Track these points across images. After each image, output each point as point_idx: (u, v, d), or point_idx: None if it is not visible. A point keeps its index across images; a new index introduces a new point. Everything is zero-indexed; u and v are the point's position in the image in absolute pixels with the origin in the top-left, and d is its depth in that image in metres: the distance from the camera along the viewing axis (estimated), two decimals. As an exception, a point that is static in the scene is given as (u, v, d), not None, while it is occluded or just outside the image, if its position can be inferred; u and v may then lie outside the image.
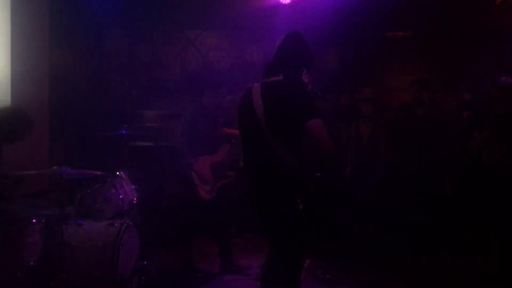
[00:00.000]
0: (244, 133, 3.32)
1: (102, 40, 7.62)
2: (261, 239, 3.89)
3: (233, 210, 5.17)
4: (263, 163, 3.13)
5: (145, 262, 4.35)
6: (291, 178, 3.03)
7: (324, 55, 8.03)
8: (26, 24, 5.34)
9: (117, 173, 4.52)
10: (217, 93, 5.10)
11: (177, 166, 5.05)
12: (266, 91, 3.14)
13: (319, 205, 3.04)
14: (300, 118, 3.02)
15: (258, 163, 3.18)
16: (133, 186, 4.59)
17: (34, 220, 3.77)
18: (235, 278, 4.83)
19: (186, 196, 5.01)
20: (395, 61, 8.14)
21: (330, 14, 6.84)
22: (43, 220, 3.82)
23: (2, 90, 4.97)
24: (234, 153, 5.05)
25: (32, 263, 3.70)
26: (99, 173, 4.21)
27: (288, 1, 7.19)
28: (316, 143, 3.02)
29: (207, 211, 4.89)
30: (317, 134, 3.01)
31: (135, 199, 4.55)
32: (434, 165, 5.89)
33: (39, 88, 5.59)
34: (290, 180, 3.04)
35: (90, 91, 7.19)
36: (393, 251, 5.53)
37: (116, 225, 4.05)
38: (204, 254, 5.32)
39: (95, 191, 4.31)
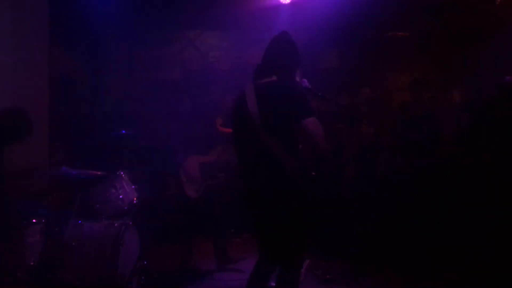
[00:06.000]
0: (238, 135, 3.34)
1: (102, 40, 7.61)
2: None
3: (227, 211, 5.18)
4: (259, 163, 3.16)
5: (145, 262, 4.35)
6: (286, 177, 3.05)
7: (324, 54, 8.02)
8: (27, 25, 5.34)
9: (117, 173, 4.52)
10: (213, 91, 5.14)
11: (167, 165, 5.09)
12: (261, 92, 3.17)
13: (314, 203, 3.04)
14: (295, 117, 3.04)
15: (254, 163, 3.20)
16: (133, 186, 4.59)
17: (34, 220, 3.77)
18: (233, 278, 4.83)
19: (176, 195, 5.07)
20: (395, 61, 8.13)
21: (330, 14, 6.83)
22: (43, 220, 3.83)
23: (2, 90, 4.97)
24: (225, 155, 5.06)
25: (32, 263, 3.71)
26: (99, 173, 4.21)
27: (288, 1, 7.18)
28: (312, 141, 3.03)
29: (195, 209, 4.96)
30: (312, 132, 3.03)
31: (135, 199, 4.55)
32: (434, 165, 5.88)
33: (39, 88, 5.59)
34: (285, 179, 3.05)
35: (90, 91, 7.19)
36: (393, 251, 5.53)
37: (116, 225, 4.05)
38: (203, 253, 5.32)
39: (95, 191, 4.31)
